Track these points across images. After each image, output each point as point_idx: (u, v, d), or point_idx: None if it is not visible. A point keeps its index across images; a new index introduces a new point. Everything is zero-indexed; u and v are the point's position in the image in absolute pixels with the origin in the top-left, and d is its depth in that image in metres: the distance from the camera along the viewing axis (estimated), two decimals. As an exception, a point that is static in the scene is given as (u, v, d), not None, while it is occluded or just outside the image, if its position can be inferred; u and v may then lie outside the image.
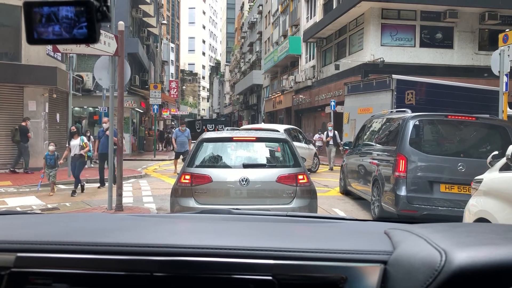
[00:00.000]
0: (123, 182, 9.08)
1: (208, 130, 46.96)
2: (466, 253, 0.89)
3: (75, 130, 11.03)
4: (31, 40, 1.06)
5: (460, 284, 0.85)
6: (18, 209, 8.39)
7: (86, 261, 1.09)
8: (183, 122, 17.15)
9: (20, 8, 14.14)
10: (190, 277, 1.06)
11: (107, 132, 10.87)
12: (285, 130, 13.73)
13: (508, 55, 9.88)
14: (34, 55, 14.87)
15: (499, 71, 10.05)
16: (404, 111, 8.44)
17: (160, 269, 1.07)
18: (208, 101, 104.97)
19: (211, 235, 1.30)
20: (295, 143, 8.94)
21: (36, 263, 1.09)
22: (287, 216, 1.85)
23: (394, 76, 14.15)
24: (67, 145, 10.95)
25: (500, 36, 10.37)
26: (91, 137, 16.60)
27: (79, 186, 10.66)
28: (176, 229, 1.48)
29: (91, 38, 1.05)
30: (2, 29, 14.55)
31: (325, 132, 18.25)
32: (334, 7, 24.30)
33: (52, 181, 10.43)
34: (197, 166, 5.82)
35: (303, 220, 1.81)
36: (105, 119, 12.00)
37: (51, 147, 10.56)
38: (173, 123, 49.22)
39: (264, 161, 6.23)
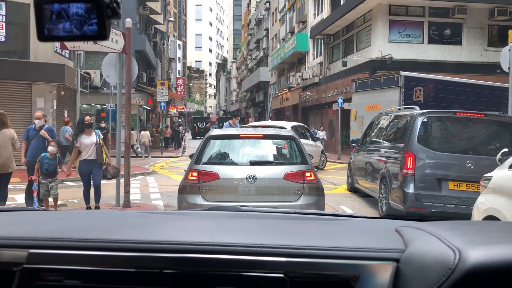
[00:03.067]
0: (131, 179, 9.11)
1: (198, 129, 46.96)
2: (480, 252, 0.88)
3: (90, 121, 7.87)
4: (42, 37, 1.06)
5: (473, 282, 0.84)
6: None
7: (97, 258, 1.10)
8: (236, 114, 15.24)
9: (29, 5, 14.23)
10: (200, 274, 1.06)
11: (42, 132, 8.04)
12: (292, 127, 13.70)
13: (518, 52, 9.78)
14: (42, 52, 14.96)
15: (508, 68, 9.96)
16: (412, 108, 8.39)
17: (170, 266, 1.07)
18: (214, 98, 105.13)
19: (221, 232, 1.30)
20: (302, 140, 8.93)
21: (48, 259, 1.10)
22: (295, 213, 1.85)
23: (402, 72, 14.08)
24: (74, 144, 7.73)
25: (510, 32, 10.27)
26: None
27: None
28: (185, 226, 1.48)
29: (101, 35, 1.05)
30: (11, 26, 14.64)
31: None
32: (342, 3, 24.18)
33: (54, 196, 7.52)
34: (204, 163, 5.83)
35: (312, 217, 1.81)
36: (38, 113, 8.45)
37: (51, 148, 7.44)
38: (180, 120, 49.33)
39: (271, 158, 6.23)
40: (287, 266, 1.04)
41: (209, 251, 1.08)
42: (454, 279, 0.85)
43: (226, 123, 13.98)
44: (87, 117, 7.87)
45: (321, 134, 22.03)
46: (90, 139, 7.62)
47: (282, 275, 1.03)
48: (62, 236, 1.17)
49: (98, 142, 7.65)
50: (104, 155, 7.76)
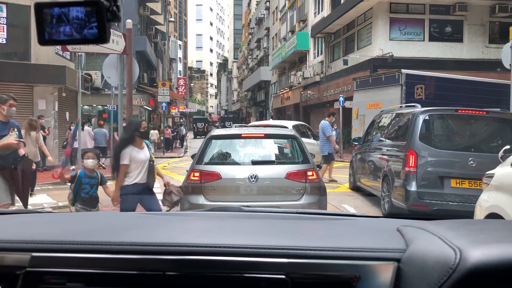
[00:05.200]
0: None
1: (198, 129, 47.79)
2: (481, 251, 0.88)
3: (144, 126, 5.53)
4: (43, 41, 1.06)
5: (475, 282, 0.84)
6: (30, 207, 8.47)
7: (99, 261, 1.10)
8: (333, 112, 12.85)
9: (29, 7, 14.25)
10: (202, 276, 1.07)
11: None
12: (294, 126, 13.66)
13: (519, 48, 9.75)
14: (43, 54, 14.98)
15: (510, 64, 9.93)
16: (413, 106, 8.38)
17: (172, 268, 1.08)
18: (216, 98, 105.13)
19: (223, 234, 1.30)
20: (304, 139, 8.91)
21: (50, 262, 1.10)
22: (297, 213, 1.85)
23: (403, 70, 14.04)
24: (121, 161, 5.19)
25: (511, 28, 10.24)
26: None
27: None
28: (187, 227, 1.48)
29: (102, 38, 1.05)
30: (12, 28, 14.67)
31: None
32: (342, 1, 24.14)
33: None
34: (206, 163, 5.83)
35: (314, 217, 1.81)
36: None
37: (91, 162, 5.24)
38: (181, 120, 49.41)
39: (273, 158, 6.22)
40: (288, 267, 1.05)
41: (211, 253, 1.08)
42: (455, 279, 0.85)
43: (324, 122, 12.96)
44: (144, 122, 5.75)
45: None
46: (143, 154, 5.31)
47: (283, 276, 1.03)
48: (65, 239, 1.17)
49: (150, 155, 5.42)
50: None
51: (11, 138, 5.37)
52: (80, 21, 1.04)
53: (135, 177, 5.24)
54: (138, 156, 5.22)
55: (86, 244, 1.14)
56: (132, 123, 5.65)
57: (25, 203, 6.04)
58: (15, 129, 5.57)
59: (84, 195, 5.15)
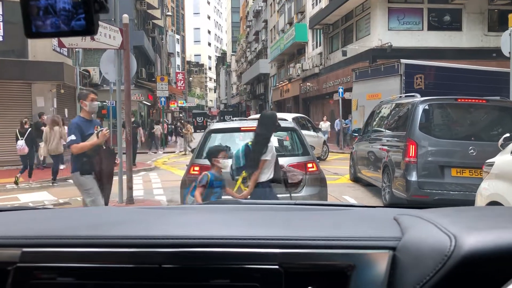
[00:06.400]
0: (133, 175, 9.11)
1: (197, 123, 48.15)
2: (475, 238, 0.87)
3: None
4: (29, 34, 1.05)
5: (470, 268, 0.84)
6: (31, 204, 8.49)
7: (92, 255, 1.09)
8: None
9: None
10: (197, 268, 1.06)
11: None
12: (293, 119, 13.65)
13: (518, 36, 9.70)
14: (40, 51, 14.93)
15: (509, 52, 9.89)
16: (413, 95, 8.36)
17: (168, 261, 1.07)
18: (215, 92, 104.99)
19: (219, 226, 1.30)
20: (304, 132, 8.89)
21: (42, 258, 1.10)
22: (295, 204, 1.85)
23: (402, 60, 14.01)
24: (263, 156, 4.82)
25: (510, 16, 10.19)
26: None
27: None
28: (184, 220, 1.47)
29: (90, 30, 1.03)
30: (8, 26, 14.59)
31: None
32: (340, -8, 24.01)
33: None
34: (206, 157, 5.82)
35: (312, 208, 1.80)
36: None
37: (226, 162, 4.80)
38: (181, 115, 49.39)
39: (273, 150, 6.20)
40: (281, 257, 1.04)
41: (206, 245, 1.08)
42: (450, 266, 0.84)
43: None
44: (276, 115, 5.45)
45: (324, 126, 20.28)
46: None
47: (277, 267, 1.03)
48: (57, 234, 1.17)
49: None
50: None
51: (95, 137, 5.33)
52: (68, 12, 1.02)
53: (271, 171, 4.93)
54: (274, 150, 4.98)
55: (77, 238, 1.13)
56: (270, 118, 5.17)
57: (106, 200, 5.63)
58: (98, 127, 5.51)
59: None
